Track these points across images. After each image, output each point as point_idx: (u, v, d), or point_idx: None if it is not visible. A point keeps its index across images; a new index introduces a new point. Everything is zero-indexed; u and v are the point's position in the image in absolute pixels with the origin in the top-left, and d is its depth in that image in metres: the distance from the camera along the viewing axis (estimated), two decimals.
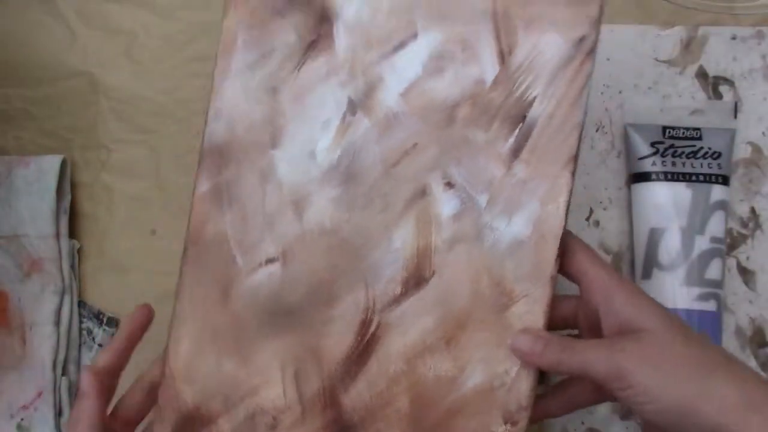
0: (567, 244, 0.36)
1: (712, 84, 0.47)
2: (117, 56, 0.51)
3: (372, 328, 0.37)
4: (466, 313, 0.36)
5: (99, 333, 0.49)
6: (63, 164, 0.49)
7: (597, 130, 0.47)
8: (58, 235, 0.48)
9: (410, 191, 0.36)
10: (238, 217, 0.38)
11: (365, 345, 0.37)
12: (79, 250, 0.50)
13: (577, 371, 0.34)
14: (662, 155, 0.45)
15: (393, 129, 0.36)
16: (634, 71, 0.47)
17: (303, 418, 0.37)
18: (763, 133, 0.47)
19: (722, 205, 0.45)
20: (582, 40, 0.34)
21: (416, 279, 0.36)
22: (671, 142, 0.45)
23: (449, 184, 0.36)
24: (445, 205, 0.36)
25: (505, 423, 0.35)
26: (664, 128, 0.45)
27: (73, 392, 0.50)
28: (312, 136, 0.37)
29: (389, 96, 0.37)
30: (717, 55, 0.47)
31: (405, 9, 0.36)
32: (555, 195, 0.35)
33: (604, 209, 0.47)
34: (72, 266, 0.49)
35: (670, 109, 0.46)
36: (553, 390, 0.39)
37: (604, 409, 0.45)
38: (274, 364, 0.38)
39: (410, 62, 0.36)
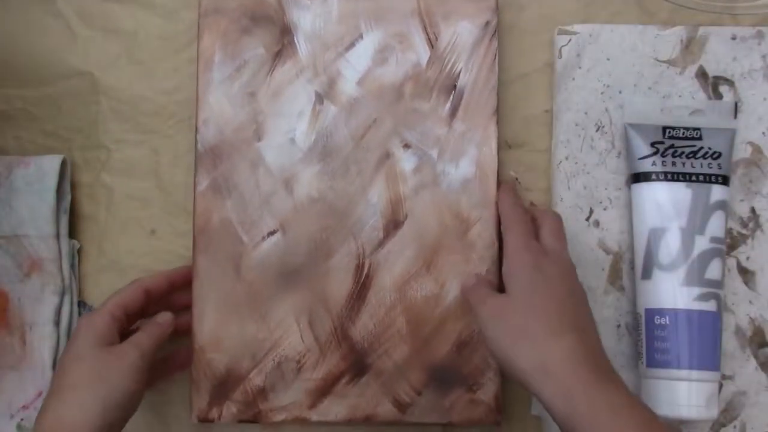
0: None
1: (712, 84, 0.46)
2: (117, 56, 0.50)
3: (365, 270, 0.45)
4: (438, 242, 0.45)
5: None
6: (63, 164, 0.48)
7: (597, 130, 0.46)
8: (58, 235, 0.47)
9: (377, 156, 0.46)
10: (238, 202, 0.45)
11: (362, 284, 0.45)
12: (79, 250, 0.49)
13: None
14: (662, 155, 0.44)
15: (356, 110, 0.46)
16: (634, 71, 0.47)
17: (323, 356, 0.45)
18: (763, 133, 0.46)
19: (722, 205, 0.44)
20: (487, 24, 0.46)
21: (394, 223, 0.45)
22: (671, 142, 0.45)
23: (407, 146, 0.46)
24: (406, 162, 0.46)
25: None
26: (664, 128, 0.45)
27: None
28: (290, 126, 0.46)
29: (348, 85, 0.46)
30: (717, 55, 0.46)
31: (350, 16, 0.46)
32: (487, 140, 0.46)
33: (604, 209, 0.46)
34: (72, 266, 0.48)
35: (670, 109, 0.46)
36: None
37: None
38: (290, 317, 0.45)
39: (361, 57, 0.46)
